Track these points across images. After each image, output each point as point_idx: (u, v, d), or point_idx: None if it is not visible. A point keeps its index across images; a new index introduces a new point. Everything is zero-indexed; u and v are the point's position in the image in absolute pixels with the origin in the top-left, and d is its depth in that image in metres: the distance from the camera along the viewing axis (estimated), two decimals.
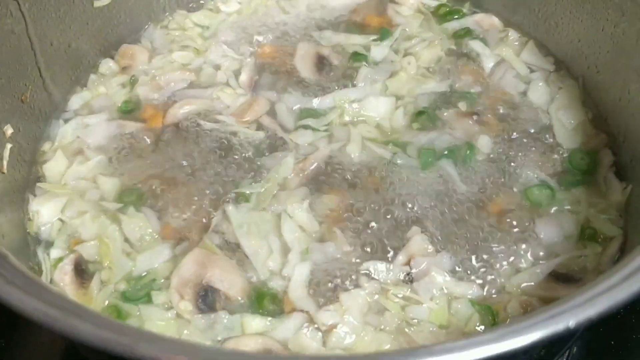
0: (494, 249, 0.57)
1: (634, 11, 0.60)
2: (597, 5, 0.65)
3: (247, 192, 0.60)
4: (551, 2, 0.71)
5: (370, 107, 0.67)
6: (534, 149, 0.64)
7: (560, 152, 0.64)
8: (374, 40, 0.74)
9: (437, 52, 0.72)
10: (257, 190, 0.60)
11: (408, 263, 0.56)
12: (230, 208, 0.59)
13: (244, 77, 0.70)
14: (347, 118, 0.66)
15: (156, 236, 0.59)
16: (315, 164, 0.62)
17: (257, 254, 0.56)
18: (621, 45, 0.63)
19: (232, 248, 0.57)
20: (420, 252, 0.57)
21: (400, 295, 0.55)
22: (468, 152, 0.63)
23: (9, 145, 0.60)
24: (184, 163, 0.63)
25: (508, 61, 0.72)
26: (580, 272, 0.56)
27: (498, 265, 0.56)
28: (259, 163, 0.63)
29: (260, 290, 0.55)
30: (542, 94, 0.69)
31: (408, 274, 0.56)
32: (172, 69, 0.71)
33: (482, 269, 0.56)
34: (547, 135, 0.66)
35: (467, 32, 0.74)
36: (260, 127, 0.66)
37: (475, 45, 0.73)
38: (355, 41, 0.74)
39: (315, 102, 0.67)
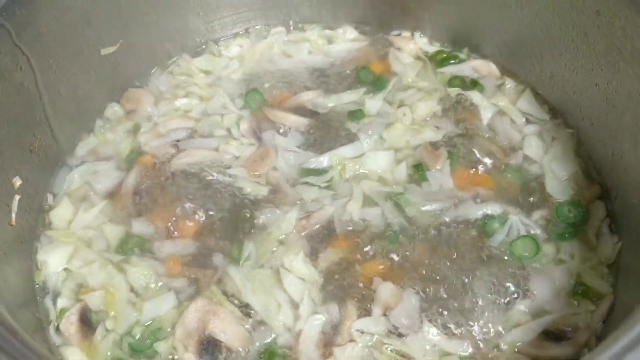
0: (487, 305, 0.59)
1: (626, 71, 0.62)
2: (591, 61, 0.67)
3: (246, 252, 0.62)
4: (547, 52, 0.72)
5: (371, 162, 0.69)
6: (525, 201, 0.66)
7: (551, 204, 0.66)
8: (366, 93, 0.76)
9: (432, 104, 0.74)
10: (258, 248, 0.62)
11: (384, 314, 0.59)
12: (232, 269, 0.61)
13: (244, 126, 0.72)
14: (348, 174, 0.68)
15: (160, 283, 0.61)
16: (318, 224, 0.64)
17: (267, 310, 0.58)
18: (613, 103, 0.64)
19: (241, 304, 0.59)
20: (392, 301, 0.59)
21: (392, 349, 0.57)
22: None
23: (17, 197, 0.62)
24: (188, 211, 0.65)
25: (504, 111, 0.74)
26: (572, 330, 0.58)
27: (490, 323, 0.58)
28: (262, 218, 0.65)
29: (273, 349, 0.57)
30: (536, 146, 0.70)
31: (395, 327, 0.58)
32: (174, 116, 0.73)
33: (474, 326, 0.58)
34: (539, 187, 0.68)
35: (462, 82, 0.76)
36: (266, 180, 0.68)
37: (473, 95, 0.74)
38: (348, 99, 0.75)
39: (313, 163, 0.69)
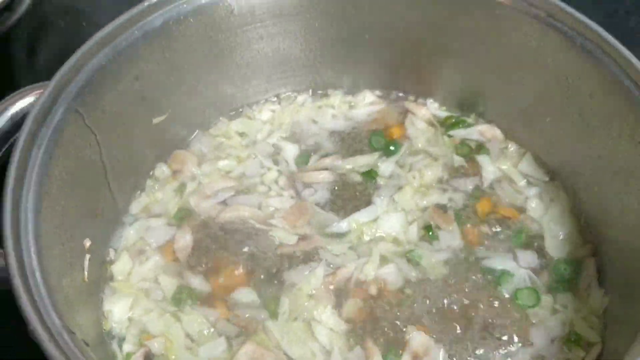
0: (495, 350, 0.69)
1: (614, 147, 0.71)
2: (585, 134, 0.76)
3: (283, 308, 0.71)
4: (546, 122, 0.81)
5: (386, 225, 0.78)
6: (526, 257, 0.76)
7: (549, 260, 0.76)
8: (380, 157, 0.85)
9: (440, 169, 0.83)
10: (291, 303, 0.72)
11: None
12: (270, 323, 0.70)
13: (282, 182, 0.82)
14: (366, 237, 0.77)
15: (212, 330, 0.71)
16: (342, 281, 0.73)
17: (304, 358, 0.68)
18: (604, 172, 0.74)
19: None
20: (422, 350, 0.69)
21: None
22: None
23: (88, 256, 0.71)
24: (233, 265, 0.74)
25: (507, 173, 0.83)
26: None
27: None
28: (293, 273, 0.74)
29: None
30: (537, 206, 0.80)
31: None
32: (217, 176, 0.83)
33: None
34: (538, 245, 0.77)
35: (469, 148, 0.86)
36: (302, 232, 0.77)
37: (480, 159, 0.84)
38: (363, 162, 0.85)
39: (335, 227, 0.78)
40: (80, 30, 1.14)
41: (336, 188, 0.83)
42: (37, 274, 0.57)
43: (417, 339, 0.68)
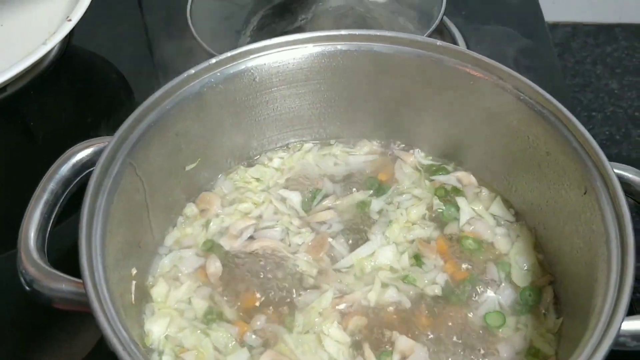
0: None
1: (567, 196, 0.87)
2: (543, 184, 0.91)
3: (298, 322, 0.86)
4: (513, 172, 0.97)
5: (382, 257, 0.93)
6: (497, 286, 0.92)
7: (515, 287, 0.92)
8: (371, 196, 1.01)
9: (422, 210, 0.99)
10: (304, 319, 0.87)
11: None
12: (286, 336, 0.85)
13: (296, 223, 0.97)
14: (368, 269, 0.92)
15: (235, 343, 0.85)
16: (349, 304, 0.88)
17: None
18: (558, 216, 0.89)
19: None
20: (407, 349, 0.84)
21: None
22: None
23: (134, 282, 0.86)
24: (256, 288, 0.89)
25: (480, 214, 1.00)
26: None
27: None
28: (307, 295, 0.89)
29: None
30: (504, 243, 0.96)
31: None
32: (239, 216, 0.98)
33: None
34: (505, 276, 0.93)
35: (445, 191, 1.02)
36: (319, 264, 0.93)
37: (459, 200, 1.00)
38: (358, 198, 1.01)
39: (341, 263, 0.93)
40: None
41: (338, 221, 0.99)
42: (107, 298, 0.71)
43: (403, 341, 0.84)
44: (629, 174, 0.86)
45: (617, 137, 2.21)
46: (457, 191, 1.03)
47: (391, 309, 0.88)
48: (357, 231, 0.97)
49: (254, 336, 0.86)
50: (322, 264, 0.93)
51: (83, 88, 1.35)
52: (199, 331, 0.86)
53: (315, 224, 0.98)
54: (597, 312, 0.72)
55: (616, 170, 0.82)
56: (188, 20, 1.20)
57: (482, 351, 0.85)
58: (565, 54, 2.68)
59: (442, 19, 1.19)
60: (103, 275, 0.73)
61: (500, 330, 0.87)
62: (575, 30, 2.80)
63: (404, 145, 1.08)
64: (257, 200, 1.01)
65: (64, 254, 0.85)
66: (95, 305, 0.69)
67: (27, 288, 0.77)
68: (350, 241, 0.96)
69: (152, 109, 0.86)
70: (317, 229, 0.97)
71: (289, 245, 0.95)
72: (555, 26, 2.78)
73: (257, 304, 0.89)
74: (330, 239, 0.95)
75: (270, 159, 1.07)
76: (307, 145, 1.09)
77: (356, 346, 0.85)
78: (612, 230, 0.76)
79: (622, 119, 2.43)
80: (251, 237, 0.96)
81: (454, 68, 0.94)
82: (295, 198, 1.02)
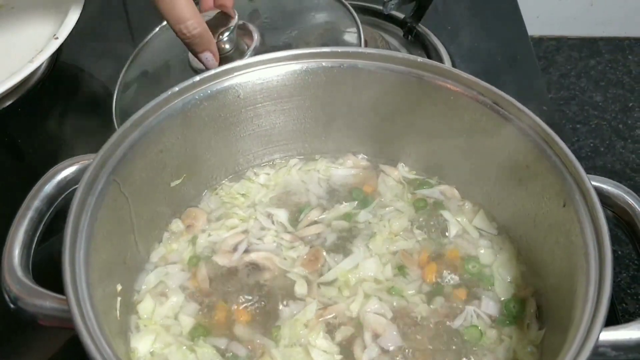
0: None
1: (547, 207, 0.88)
2: (524, 197, 0.93)
3: (284, 335, 0.87)
4: (496, 186, 0.99)
5: (366, 269, 0.94)
6: (478, 298, 0.93)
7: (499, 300, 0.93)
8: (356, 208, 1.03)
9: (404, 222, 1.00)
10: (290, 331, 0.87)
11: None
12: (273, 350, 0.85)
13: (287, 238, 0.98)
14: (353, 281, 0.93)
15: (222, 359, 0.86)
16: (332, 315, 0.89)
17: None
18: (539, 229, 0.91)
19: None
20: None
21: None
22: None
23: (119, 298, 0.86)
24: (243, 303, 0.90)
25: (464, 227, 1.01)
26: None
27: None
28: (292, 307, 0.90)
29: None
30: (487, 255, 0.97)
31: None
32: (225, 231, 0.99)
33: None
34: (490, 287, 0.94)
35: (425, 203, 1.03)
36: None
37: (445, 214, 1.01)
38: (344, 210, 1.02)
39: (325, 277, 0.93)
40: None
41: (328, 232, 1.00)
42: (91, 314, 0.72)
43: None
44: (607, 186, 0.87)
45: (602, 148, 2.23)
46: (439, 205, 1.04)
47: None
48: (348, 243, 0.98)
49: (240, 351, 0.86)
50: (311, 277, 0.94)
51: (71, 105, 1.36)
52: (184, 347, 0.87)
53: (306, 238, 0.99)
54: (575, 323, 0.73)
55: (595, 183, 0.84)
56: None
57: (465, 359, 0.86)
58: (549, 68, 2.72)
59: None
60: (87, 292, 0.73)
61: (482, 342, 0.88)
62: (560, 44, 2.85)
63: (387, 159, 1.10)
64: (244, 215, 1.02)
65: (50, 271, 0.85)
66: (78, 321, 0.69)
67: (12, 306, 0.77)
68: (342, 254, 0.97)
69: (136, 127, 0.87)
70: (311, 242, 0.99)
71: (285, 259, 0.96)
72: (539, 40, 2.82)
73: (244, 317, 0.89)
74: (324, 253, 0.96)
75: (257, 175, 1.08)
76: (293, 161, 1.10)
77: (346, 354, 0.86)
78: (591, 242, 0.77)
79: (607, 131, 2.47)
80: (246, 251, 0.97)
81: (434, 84, 0.96)
82: (282, 214, 1.03)
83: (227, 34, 1.06)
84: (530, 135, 0.89)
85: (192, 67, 1.13)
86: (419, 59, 0.96)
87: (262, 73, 0.97)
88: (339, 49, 0.98)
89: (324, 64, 0.98)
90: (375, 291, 0.92)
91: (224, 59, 1.06)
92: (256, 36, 1.13)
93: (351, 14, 1.20)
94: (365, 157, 1.10)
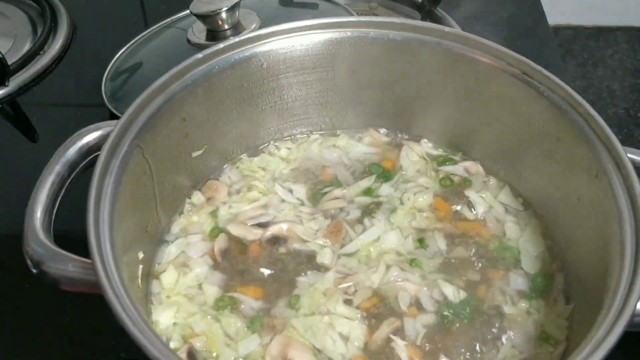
0: (478, 344, 0.83)
1: (577, 182, 0.86)
2: (553, 171, 0.91)
3: (304, 304, 0.85)
4: (521, 160, 0.97)
5: (387, 242, 0.92)
6: (506, 273, 0.91)
7: (526, 275, 0.91)
8: (376, 182, 1.01)
9: (429, 198, 0.98)
10: (309, 300, 0.86)
11: None
12: (294, 321, 0.83)
13: (307, 210, 0.97)
14: (374, 254, 0.91)
15: (246, 329, 0.84)
16: (351, 284, 0.87)
17: (325, 346, 0.82)
18: (568, 203, 0.89)
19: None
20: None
21: None
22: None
23: (140, 266, 0.85)
24: (266, 273, 0.89)
25: (489, 203, 0.99)
26: None
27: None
28: (311, 276, 0.88)
29: None
30: (514, 231, 0.95)
31: None
32: (246, 204, 0.97)
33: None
34: (516, 263, 0.92)
35: (451, 181, 1.01)
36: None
37: (470, 193, 0.99)
38: (364, 185, 1.01)
39: (346, 248, 0.92)
40: None
41: (351, 206, 0.99)
42: (116, 276, 0.70)
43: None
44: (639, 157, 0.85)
45: (620, 137, 2.19)
46: (465, 181, 1.02)
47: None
48: (369, 217, 0.96)
49: (264, 323, 0.84)
50: (332, 249, 0.92)
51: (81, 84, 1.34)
52: (209, 317, 0.85)
53: (328, 212, 0.97)
54: (611, 292, 0.71)
55: (629, 155, 0.82)
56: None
57: (495, 331, 0.84)
58: (566, 57, 2.70)
59: None
60: (111, 255, 0.72)
61: (512, 314, 0.86)
62: (577, 33, 2.82)
63: (410, 134, 1.08)
64: (264, 189, 1.01)
65: (70, 239, 0.84)
66: (104, 282, 0.68)
67: (34, 270, 0.76)
68: (362, 227, 0.95)
69: (160, 92, 0.86)
70: (332, 215, 0.97)
71: (307, 230, 0.94)
72: (556, 29, 2.79)
73: (267, 288, 0.88)
74: (345, 225, 0.95)
75: (278, 148, 1.06)
76: (314, 136, 1.08)
77: (368, 319, 0.85)
78: (625, 209, 0.75)
79: (624, 120, 2.44)
80: (267, 223, 0.95)
81: (462, 54, 0.94)
82: (301, 189, 1.01)
83: (231, 5, 1.07)
84: (561, 105, 0.87)
85: (189, 42, 1.13)
86: (447, 28, 0.94)
87: (286, 42, 0.95)
88: (366, 19, 0.96)
89: (348, 33, 0.96)
90: (397, 262, 0.91)
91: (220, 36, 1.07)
92: (255, 24, 1.15)
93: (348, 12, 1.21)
94: (386, 131, 1.09)
